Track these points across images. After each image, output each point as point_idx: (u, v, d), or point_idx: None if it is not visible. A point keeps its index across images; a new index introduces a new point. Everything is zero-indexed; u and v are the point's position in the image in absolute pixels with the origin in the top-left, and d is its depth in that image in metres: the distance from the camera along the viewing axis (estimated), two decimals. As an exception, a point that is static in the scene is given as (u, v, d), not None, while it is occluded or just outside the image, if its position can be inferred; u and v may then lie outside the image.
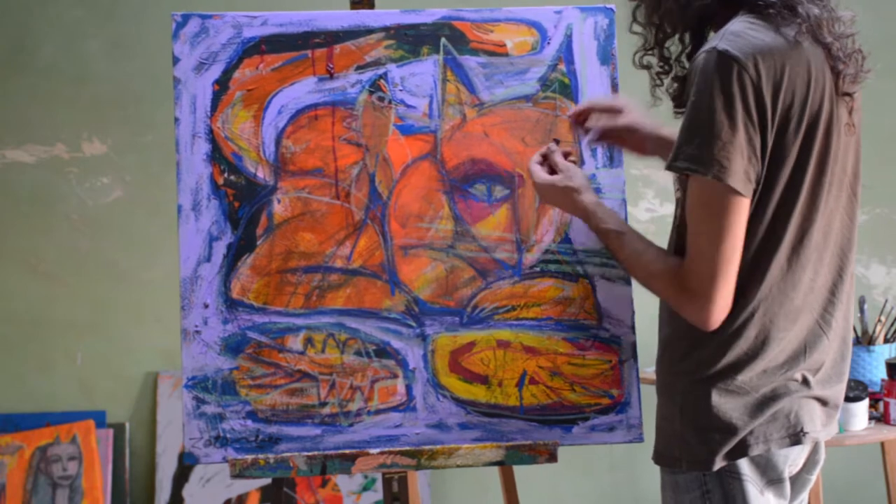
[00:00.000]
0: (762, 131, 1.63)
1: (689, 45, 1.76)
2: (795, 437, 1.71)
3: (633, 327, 2.12)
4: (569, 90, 2.15)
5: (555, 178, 1.94)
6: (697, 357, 1.73)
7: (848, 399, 2.69)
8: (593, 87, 2.15)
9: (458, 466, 2.06)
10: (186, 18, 2.11)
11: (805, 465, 1.79)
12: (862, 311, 2.90)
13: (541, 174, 1.96)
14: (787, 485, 1.75)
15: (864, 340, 2.87)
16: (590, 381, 2.11)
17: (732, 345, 1.70)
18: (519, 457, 2.06)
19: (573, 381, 2.11)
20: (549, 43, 2.15)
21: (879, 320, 2.89)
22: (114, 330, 3.63)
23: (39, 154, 3.64)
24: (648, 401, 1.96)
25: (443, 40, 2.14)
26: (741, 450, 1.70)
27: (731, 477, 1.71)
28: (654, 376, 1.83)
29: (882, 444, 2.88)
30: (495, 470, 3.25)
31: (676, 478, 1.76)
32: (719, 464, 1.71)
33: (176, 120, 2.10)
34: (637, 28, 1.79)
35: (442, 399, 2.10)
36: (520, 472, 3.08)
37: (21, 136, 3.63)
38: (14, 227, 3.62)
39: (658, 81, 1.80)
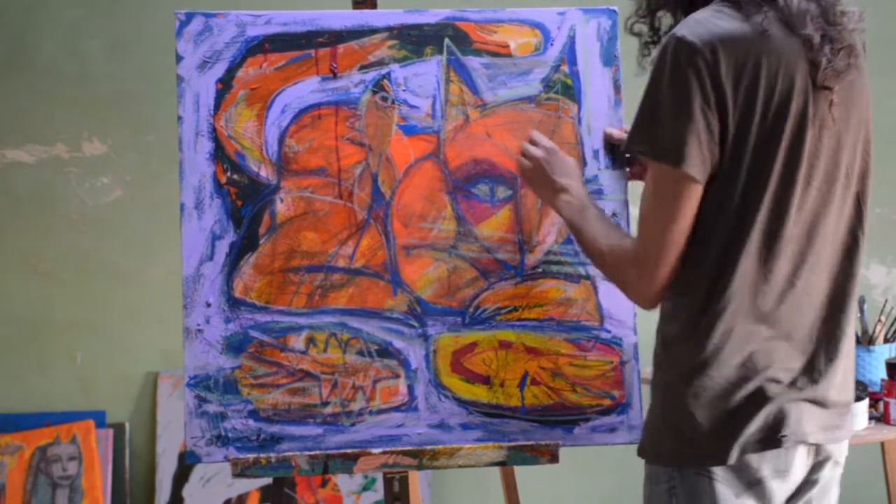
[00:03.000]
0: (721, 118, 1.62)
1: (679, 20, 1.75)
2: (772, 441, 1.67)
3: (634, 328, 2.13)
4: (571, 91, 2.15)
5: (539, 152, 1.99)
6: (674, 354, 1.72)
7: (848, 399, 2.69)
8: (596, 89, 2.15)
9: (459, 467, 2.06)
10: (190, 17, 2.11)
11: (811, 467, 1.75)
12: (862, 311, 2.90)
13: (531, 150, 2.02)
14: (771, 486, 1.70)
15: (864, 340, 2.87)
16: (591, 382, 2.11)
17: (705, 343, 1.67)
18: (521, 457, 2.06)
19: (575, 382, 2.11)
20: (552, 44, 2.15)
21: (879, 320, 2.89)
22: (114, 330, 3.63)
23: (39, 154, 3.63)
24: (649, 402, 1.96)
25: (446, 41, 2.14)
26: (711, 454, 1.67)
27: (700, 475, 1.68)
28: (655, 377, 1.86)
29: (882, 444, 2.88)
30: (496, 470, 3.26)
31: (651, 468, 1.75)
32: (684, 462, 1.69)
33: (179, 118, 2.10)
34: None
35: (444, 399, 2.10)
36: (520, 472, 3.08)
37: (21, 136, 3.62)
38: (14, 227, 3.62)
39: (646, 52, 1.79)
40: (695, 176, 1.63)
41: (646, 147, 1.66)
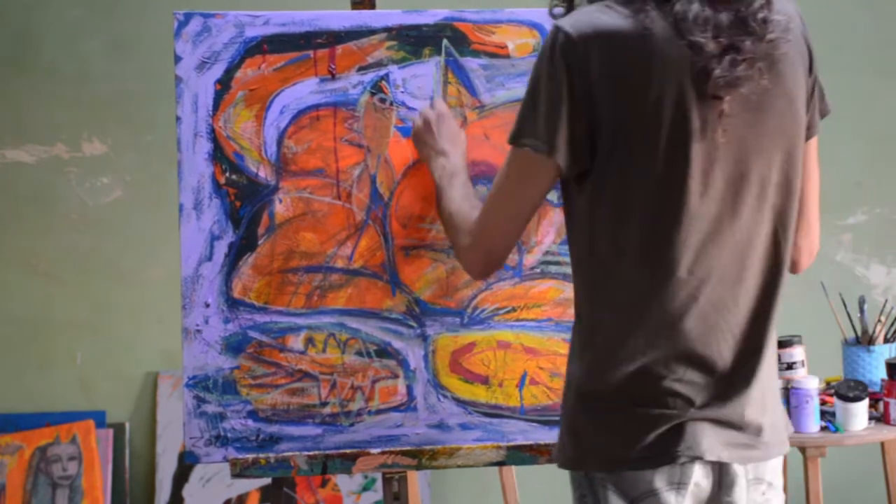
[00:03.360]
0: (589, 111, 1.59)
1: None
2: (665, 457, 1.61)
3: (633, 328, 2.12)
4: (570, 91, 2.15)
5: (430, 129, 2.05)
6: (574, 361, 1.68)
7: (848, 399, 2.69)
8: (594, 88, 2.15)
9: (458, 466, 2.06)
10: (188, 17, 2.11)
11: (718, 486, 1.66)
12: (862, 311, 2.90)
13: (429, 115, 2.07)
14: (666, 499, 1.62)
15: (864, 340, 2.87)
16: (590, 382, 2.11)
17: (597, 352, 1.64)
18: (520, 457, 2.07)
19: (574, 382, 2.11)
20: (550, 44, 2.15)
21: (879, 320, 2.89)
22: (114, 330, 3.63)
23: (39, 154, 3.64)
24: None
25: (444, 42, 2.13)
26: (600, 461, 1.64)
27: (599, 484, 1.65)
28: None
29: (882, 444, 2.88)
30: (495, 470, 3.26)
31: (570, 476, 1.71)
32: (580, 467, 1.66)
33: (178, 119, 2.10)
34: None
35: (443, 399, 2.10)
36: (520, 472, 3.08)
37: (21, 136, 3.63)
38: (14, 227, 3.63)
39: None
40: (561, 165, 1.61)
41: (531, 140, 1.63)
